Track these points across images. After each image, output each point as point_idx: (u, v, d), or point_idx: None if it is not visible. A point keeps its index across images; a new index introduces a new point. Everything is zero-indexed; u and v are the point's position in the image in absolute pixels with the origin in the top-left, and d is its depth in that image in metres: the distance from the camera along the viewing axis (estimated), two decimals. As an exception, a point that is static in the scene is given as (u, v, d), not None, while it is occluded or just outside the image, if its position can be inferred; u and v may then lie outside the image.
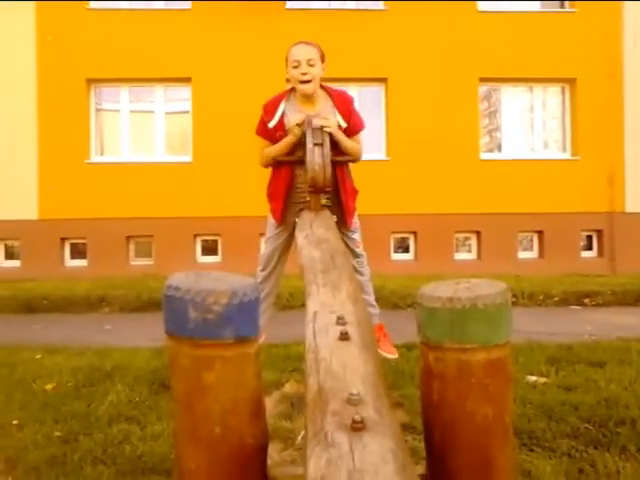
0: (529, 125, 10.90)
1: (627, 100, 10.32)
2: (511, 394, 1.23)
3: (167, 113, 10.56)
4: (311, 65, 2.83)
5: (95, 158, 10.30)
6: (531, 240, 10.69)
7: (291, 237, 3.08)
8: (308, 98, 2.93)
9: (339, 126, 2.91)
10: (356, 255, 3.21)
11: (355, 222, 3.19)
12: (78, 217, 9.82)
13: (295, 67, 2.83)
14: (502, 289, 1.17)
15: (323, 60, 2.92)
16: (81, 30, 9.87)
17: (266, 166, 3.10)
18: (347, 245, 3.06)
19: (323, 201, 2.82)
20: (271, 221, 3.18)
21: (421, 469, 1.26)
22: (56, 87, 9.89)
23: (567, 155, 10.63)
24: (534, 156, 10.64)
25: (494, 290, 1.16)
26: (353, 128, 3.01)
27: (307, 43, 2.91)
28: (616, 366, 3.77)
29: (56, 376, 3.68)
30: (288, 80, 3.00)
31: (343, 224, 3.04)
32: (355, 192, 3.15)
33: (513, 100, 10.83)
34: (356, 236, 3.21)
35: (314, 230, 2.36)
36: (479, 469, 1.15)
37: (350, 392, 1.02)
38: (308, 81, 2.84)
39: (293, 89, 2.99)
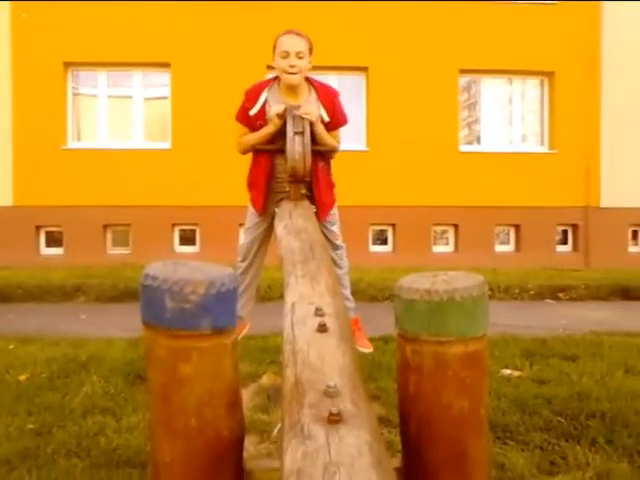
0: (508, 118, 10.98)
1: (604, 95, 10.44)
2: (487, 387, 1.24)
3: (146, 99, 10.42)
4: (300, 57, 2.80)
5: (72, 144, 10.13)
6: (508, 233, 10.80)
7: (271, 227, 3.06)
8: (292, 89, 2.90)
9: (322, 119, 2.89)
10: (335, 247, 3.20)
11: (334, 214, 3.18)
12: (54, 204, 9.66)
13: (283, 57, 2.79)
14: (479, 282, 1.18)
15: (311, 52, 2.89)
16: (58, 12, 9.66)
17: (243, 153, 3.08)
18: (326, 237, 3.05)
19: (302, 191, 2.81)
20: (251, 210, 3.16)
21: (397, 462, 1.26)
22: (32, 70, 9.69)
23: (545, 149, 10.73)
24: (512, 149, 10.71)
25: (471, 283, 1.16)
26: (335, 123, 2.99)
27: (298, 34, 2.86)
28: (588, 360, 3.84)
29: (30, 367, 3.63)
30: (271, 67, 2.96)
31: (317, 217, 3.02)
32: (332, 185, 3.13)
33: (492, 92, 10.89)
34: (335, 228, 3.19)
35: (293, 220, 2.35)
36: (454, 461, 1.16)
37: (327, 384, 1.02)
38: (294, 73, 2.81)
39: (277, 78, 2.96)
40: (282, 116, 2.78)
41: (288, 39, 2.82)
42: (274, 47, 2.87)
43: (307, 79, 2.95)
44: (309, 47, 2.87)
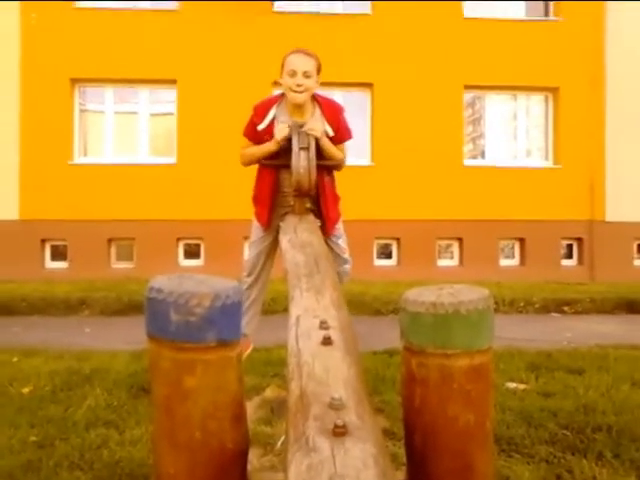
0: (512, 133, 11.02)
1: (609, 110, 10.47)
2: (492, 400, 1.23)
3: (152, 115, 10.50)
4: (307, 77, 2.82)
5: (78, 159, 10.21)
6: (512, 247, 10.78)
7: (276, 241, 3.07)
8: (298, 106, 2.91)
9: (326, 134, 2.90)
10: (344, 261, 3.21)
11: (339, 228, 3.18)
12: (59, 218, 9.71)
13: (291, 76, 2.81)
14: (485, 295, 1.18)
15: (319, 72, 2.91)
16: (67, 29, 9.79)
17: (245, 165, 3.11)
18: (333, 251, 3.06)
19: (307, 205, 2.82)
20: (256, 224, 3.17)
21: (401, 475, 1.26)
22: (40, 86, 9.79)
23: (549, 163, 10.75)
24: (517, 164, 10.74)
25: (477, 296, 1.16)
26: (340, 137, 3.01)
27: (307, 54, 2.88)
28: (594, 373, 3.81)
29: (33, 379, 3.62)
30: (277, 83, 2.98)
31: (323, 231, 3.02)
32: (337, 199, 3.14)
33: (497, 108, 10.94)
34: (341, 242, 3.20)
35: (298, 234, 2.36)
36: (460, 474, 1.16)
37: (332, 397, 1.02)
38: (300, 92, 2.83)
39: (284, 95, 2.98)
40: (284, 138, 2.80)
41: (296, 58, 2.85)
42: (282, 65, 2.89)
43: (312, 95, 2.97)
44: (317, 66, 2.89)
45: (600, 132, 10.48)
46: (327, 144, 2.90)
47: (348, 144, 3.15)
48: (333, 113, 2.98)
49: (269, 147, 2.90)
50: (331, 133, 2.93)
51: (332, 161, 2.99)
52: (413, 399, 1.20)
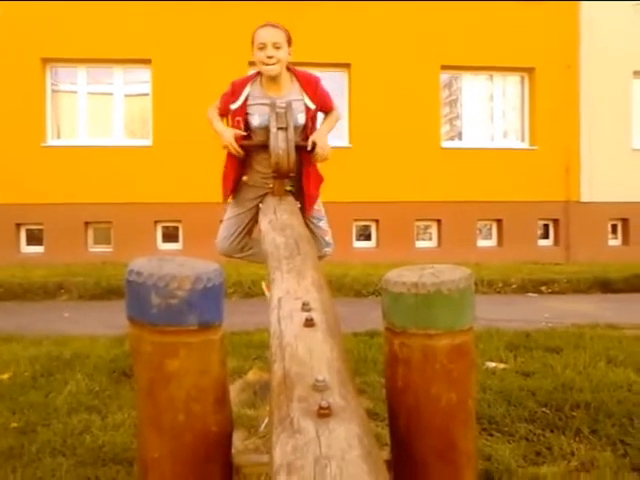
0: (489, 114, 11.05)
1: (583, 91, 10.56)
2: (475, 379, 1.25)
3: (126, 95, 10.33)
4: (277, 48, 2.77)
5: (51, 141, 10.02)
6: (490, 228, 10.88)
7: (251, 221, 3.06)
8: (274, 82, 2.86)
9: (307, 108, 2.87)
10: (325, 244, 3.19)
11: (320, 209, 3.16)
12: (34, 202, 9.56)
13: (260, 49, 2.76)
14: (466, 274, 1.19)
15: (290, 44, 2.86)
16: (37, 6, 9.54)
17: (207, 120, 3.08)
18: (314, 235, 3.04)
19: (287, 187, 2.80)
20: (231, 204, 3.14)
21: (386, 455, 1.27)
22: (9, 66, 9.55)
23: (525, 145, 10.83)
24: (494, 145, 10.79)
25: (458, 275, 1.17)
26: (323, 109, 2.98)
27: (274, 26, 2.83)
28: (571, 352, 3.88)
29: (12, 365, 3.58)
30: (253, 63, 2.93)
31: (303, 211, 3.00)
32: (320, 179, 3.11)
33: (473, 89, 10.95)
34: (322, 224, 3.18)
35: (278, 216, 2.35)
36: (443, 453, 1.17)
37: (316, 378, 1.02)
38: (273, 64, 2.78)
39: (259, 73, 2.92)
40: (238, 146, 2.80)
41: (264, 31, 2.79)
42: (252, 41, 2.84)
43: (289, 69, 2.92)
44: (287, 38, 2.83)
45: (575, 113, 10.57)
46: (329, 128, 2.93)
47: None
48: (310, 85, 2.92)
49: (219, 132, 2.88)
50: (312, 106, 2.88)
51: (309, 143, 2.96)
52: (396, 379, 1.21)
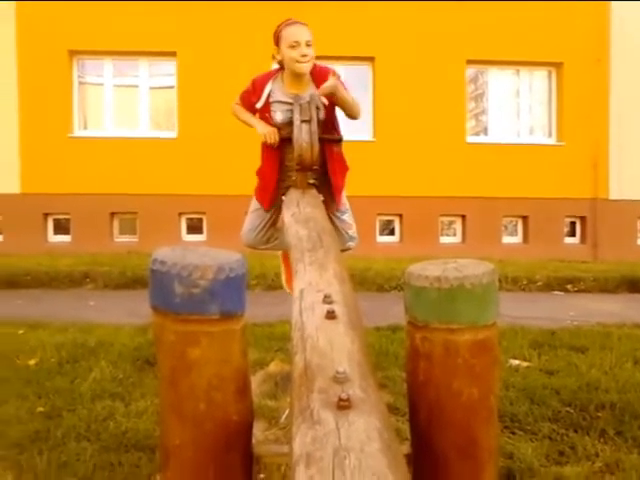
0: (515, 109, 10.90)
1: (613, 86, 10.34)
2: (497, 375, 1.23)
3: (152, 88, 10.41)
4: (309, 46, 2.77)
5: (78, 132, 10.14)
6: (515, 225, 10.76)
7: (276, 214, 3.05)
8: (296, 79, 2.86)
9: (323, 104, 2.83)
10: (349, 238, 3.18)
11: (344, 202, 3.14)
12: (61, 192, 9.70)
13: (293, 47, 2.74)
14: (489, 269, 1.17)
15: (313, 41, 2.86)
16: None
17: (232, 115, 3.10)
18: (338, 228, 3.03)
19: (310, 180, 2.80)
20: (256, 207, 3.15)
21: (406, 449, 1.26)
22: (37, 58, 9.68)
23: (552, 140, 10.66)
24: (520, 141, 10.64)
25: (481, 270, 1.16)
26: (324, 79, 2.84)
27: (302, 23, 2.83)
28: (597, 351, 3.82)
29: (39, 351, 3.65)
30: (275, 58, 2.91)
31: (332, 202, 2.99)
32: (345, 169, 3.08)
33: (500, 83, 10.81)
34: (347, 217, 3.15)
35: (301, 208, 2.34)
36: (464, 448, 1.16)
37: (336, 370, 1.02)
38: (307, 62, 2.78)
39: (280, 69, 2.93)
40: (273, 144, 2.81)
41: (296, 29, 2.79)
42: (277, 37, 2.83)
43: None
44: (312, 36, 2.84)
45: (604, 109, 10.36)
46: (343, 93, 2.78)
47: (349, 121, 3.08)
48: (323, 79, 2.85)
49: (256, 127, 2.89)
50: (326, 101, 2.84)
51: (335, 135, 2.95)
52: (417, 374, 1.20)
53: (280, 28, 2.83)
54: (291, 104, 2.77)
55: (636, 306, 6.45)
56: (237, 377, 1.12)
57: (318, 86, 2.83)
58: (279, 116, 2.85)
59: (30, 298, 6.38)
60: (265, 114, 2.89)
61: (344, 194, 3.14)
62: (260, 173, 3.06)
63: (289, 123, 2.78)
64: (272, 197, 3.00)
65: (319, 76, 2.88)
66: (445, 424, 1.15)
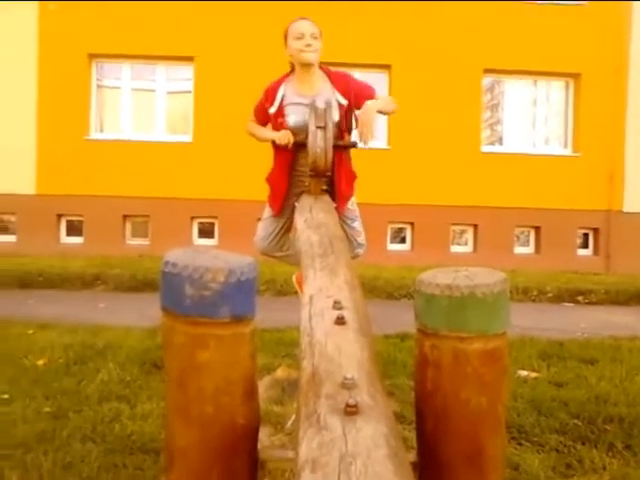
0: (531, 119, 10.87)
1: (631, 99, 10.29)
2: (506, 385, 1.22)
3: (169, 92, 10.49)
4: (315, 38, 2.81)
5: (95, 135, 10.24)
6: (528, 235, 10.70)
7: (289, 221, 3.05)
8: (308, 80, 2.88)
9: (340, 105, 2.86)
10: (357, 245, 3.17)
11: (354, 210, 3.14)
12: (75, 194, 9.78)
13: (299, 38, 2.80)
14: (501, 278, 1.17)
15: (321, 38, 2.89)
16: (84, 3, 9.76)
17: (248, 135, 3.13)
18: (347, 235, 3.02)
19: (323, 186, 2.80)
20: (269, 213, 3.17)
21: (412, 457, 1.25)
22: (57, 60, 9.80)
23: (568, 151, 10.61)
24: (535, 151, 10.61)
25: (493, 279, 1.15)
26: (363, 94, 2.86)
27: (307, 19, 2.88)
28: (607, 364, 3.79)
29: (48, 352, 3.67)
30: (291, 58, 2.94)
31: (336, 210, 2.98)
32: (353, 176, 3.08)
33: (516, 93, 10.78)
34: (356, 225, 3.15)
35: (314, 214, 2.34)
36: (470, 458, 1.15)
37: (344, 376, 1.01)
38: (311, 51, 2.81)
39: (292, 72, 2.97)
40: (286, 145, 2.80)
41: (301, 23, 2.85)
42: (286, 35, 2.88)
43: (321, 68, 2.94)
44: (321, 32, 2.87)
45: (621, 121, 10.31)
46: (383, 107, 2.78)
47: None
48: (341, 81, 2.92)
49: (271, 136, 2.89)
50: (344, 102, 2.86)
51: (349, 142, 2.95)
52: (425, 382, 1.20)
53: (288, 25, 2.89)
54: (305, 105, 2.78)
55: (648, 320, 6.39)
56: (245, 381, 1.12)
57: (337, 87, 2.88)
58: (292, 119, 2.86)
59: (41, 298, 6.42)
60: (278, 119, 2.90)
61: (354, 201, 3.14)
62: (270, 179, 3.07)
63: (301, 127, 2.78)
64: (282, 203, 3.01)
65: (336, 79, 2.92)
66: (452, 433, 1.15)
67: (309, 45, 2.79)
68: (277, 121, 2.91)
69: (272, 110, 2.91)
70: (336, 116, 2.83)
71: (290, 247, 3.24)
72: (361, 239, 3.20)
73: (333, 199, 2.88)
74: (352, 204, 3.14)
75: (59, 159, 9.80)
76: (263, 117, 3.00)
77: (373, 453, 0.82)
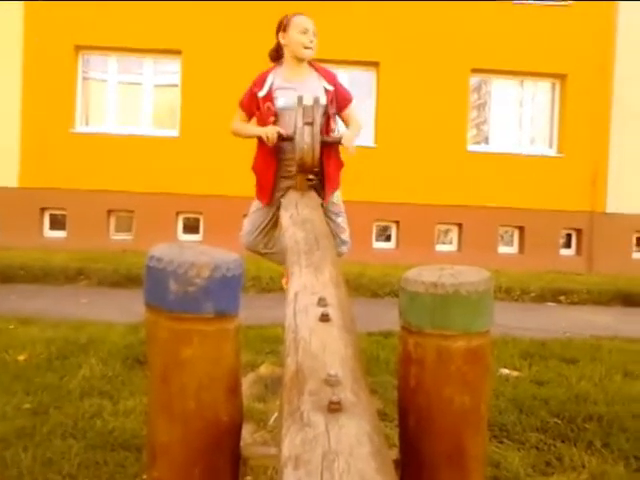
0: (517, 120, 10.94)
1: (615, 100, 10.39)
2: (489, 383, 1.23)
3: (155, 86, 10.41)
4: (315, 35, 2.99)
5: (80, 128, 10.14)
6: (512, 235, 10.78)
7: (275, 216, 3.06)
8: (297, 70, 3.01)
9: (326, 90, 2.95)
10: (341, 242, 3.18)
11: (339, 205, 3.17)
12: (59, 187, 9.67)
13: (304, 33, 2.96)
14: (486, 277, 1.17)
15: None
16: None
17: (235, 135, 3.19)
18: (331, 231, 3.03)
19: (309, 176, 2.80)
20: (257, 207, 3.17)
21: (394, 454, 1.26)
22: (43, 52, 9.68)
23: (553, 152, 10.69)
24: (520, 151, 10.68)
25: (478, 278, 1.16)
26: (342, 98, 3.08)
27: (306, 15, 3.05)
28: (588, 363, 3.84)
29: (29, 347, 3.64)
30: (278, 47, 3.06)
31: (322, 195, 3.00)
32: (341, 163, 3.14)
33: (503, 93, 10.84)
34: (340, 220, 3.17)
35: (299, 210, 2.34)
36: (452, 456, 1.16)
37: (328, 373, 1.01)
38: (312, 48, 2.99)
39: (278, 64, 3.07)
40: (277, 136, 2.84)
41: (305, 19, 3.02)
42: (286, 24, 3.01)
43: (309, 62, 3.07)
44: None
45: (605, 122, 10.40)
46: (354, 135, 3.00)
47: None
48: (329, 74, 3.10)
49: (257, 131, 2.96)
50: (330, 87, 2.99)
51: (336, 138, 2.98)
52: (409, 379, 1.20)
53: (289, 16, 3.05)
54: (294, 89, 2.88)
55: (628, 320, 6.47)
56: (228, 377, 1.12)
57: (323, 75, 3.04)
58: (282, 101, 2.96)
59: (24, 293, 6.36)
60: (267, 103, 2.97)
61: (339, 195, 3.15)
62: (256, 167, 3.11)
63: (289, 110, 2.85)
64: (271, 191, 3.05)
65: (324, 72, 3.08)
66: (434, 431, 1.15)
67: (312, 41, 2.97)
68: (264, 105, 2.97)
69: (261, 94, 2.98)
70: (323, 100, 2.92)
71: (275, 245, 3.24)
72: (345, 236, 3.21)
73: (321, 187, 2.91)
74: (337, 199, 3.16)
75: (43, 152, 9.69)
76: (251, 104, 3.05)
77: (356, 450, 0.82)
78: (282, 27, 3.01)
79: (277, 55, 3.09)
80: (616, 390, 3.21)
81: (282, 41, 3.02)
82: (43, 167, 9.69)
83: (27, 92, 9.73)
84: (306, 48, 2.96)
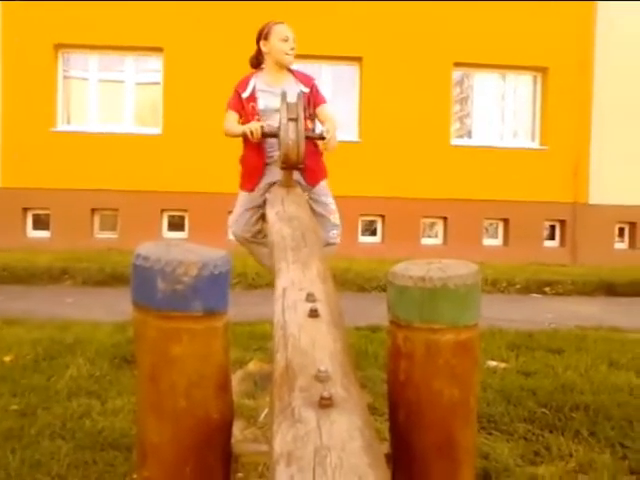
0: (500, 113, 10.99)
1: (596, 93, 10.47)
2: (478, 376, 1.24)
3: (137, 84, 10.33)
4: (294, 42, 3.18)
5: (61, 127, 10.03)
6: (496, 227, 10.85)
7: (262, 214, 3.10)
8: (277, 73, 3.18)
9: (303, 93, 3.01)
10: (332, 226, 3.23)
11: (327, 188, 3.24)
12: (42, 187, 9.57)
13: (285, 41, 3.14)
14: (473, 270, 1.18)
15: None
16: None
17: (227, 136, 3.25)
18: (320, 214, 3.09)
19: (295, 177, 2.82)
20: (242, 195, 3.22)
21: (385, 448, 1.26)
22: (22, 51, 9.56)
23: (535, 144, 10.77)
24: (503, 144, 10.74)
25: (466, 271, 1.16)
26: (315, 99, 3.22)
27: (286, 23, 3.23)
28: (573, 353, 3.88)
29: (15, 348, 3.60)
30: (259, 53, 3.21)
31: (304, 180, 3.09)
32: (320, 154, 3.20)
33: (485, 87, 10.89)
34: (330, 202, 3.24)
35: (285, 207, 2.34)
36: (442, 449, 1.16)
37: (318, 369, 1.02)
38: (292, 55, 3.18)
39: (258, 69, 3.24)
40: (260, 133, 2.92)
41: (286, 27, 3.18)
42: (267, 32, 3.16)
43: (287, 69, 3.26)
44: None
45: (586, 114, 10.49)
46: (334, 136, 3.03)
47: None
48: (305, 77, 3.26)
49: (241, 131, 3.03)
50: (306, 90, 3.13)
51: (319, 135, 3.03)
52: (398, 373, 1.20)
53: (270, 24, 3.20)
54: (274, 93, 3.00)
55: (613, 309, 6.55)
56: (218, 375, 1.11)
57: (299, 79, 3.21)
58: (263, 102, 3.12)
59: (8, 294, 6.29)
60: (250, 102, 3.12)
61: (326, 185, 3.21)
62: (245, 160, 3.22)
63: (271, 111, 3.02)
64: (258, 180, 3.16)
65: (301, 77, 3.25)
66: (425, 424, 1.16)
67: (293, 49, 3.16)
68: (249, 104, 3.12)
69: (245, 95, 3.13)
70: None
71: (265, 236, 3.26)
72: (335, 218, 3.26)
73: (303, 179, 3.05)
74: (324, 184, 3.25)
75: (25, 151, 9.58)
76: (237, 103, 3.17)
77: (348, 445, 0.83)
78: (263, 35, 3.17)
79: (257, 62, 3.26)
80: (601, 379, 3.25)
81: (264, 48, 3.18)
82: (25, 167, 9.58)
83: (7, 92, 9.61)
84: (287, 55, 3.15)
